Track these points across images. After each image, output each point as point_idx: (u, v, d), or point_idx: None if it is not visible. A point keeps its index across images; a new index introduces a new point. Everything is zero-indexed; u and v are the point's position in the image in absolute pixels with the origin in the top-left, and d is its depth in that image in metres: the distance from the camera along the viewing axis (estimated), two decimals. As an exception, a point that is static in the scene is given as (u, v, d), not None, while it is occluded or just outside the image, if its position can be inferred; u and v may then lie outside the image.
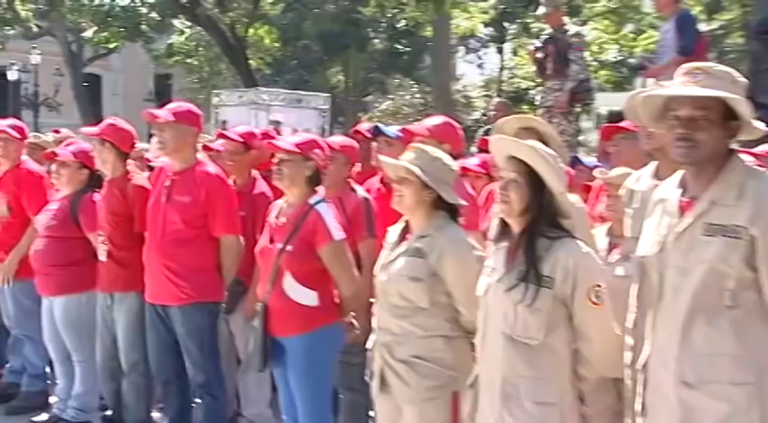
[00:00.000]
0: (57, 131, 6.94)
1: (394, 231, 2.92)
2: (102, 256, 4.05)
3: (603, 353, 2.31)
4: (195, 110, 3.89)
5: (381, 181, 4.22)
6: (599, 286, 2.31)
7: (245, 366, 4.11)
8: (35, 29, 26.69)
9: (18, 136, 4.78)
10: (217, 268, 3.75)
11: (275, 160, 3.33)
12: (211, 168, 3.79)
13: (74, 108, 26.67)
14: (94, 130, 4.10)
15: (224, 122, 13.72)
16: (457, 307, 2.72)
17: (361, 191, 3.90)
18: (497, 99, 11.23)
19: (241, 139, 4.22)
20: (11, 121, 5.05)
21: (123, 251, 3.99)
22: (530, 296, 2.30)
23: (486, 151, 4.18)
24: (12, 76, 27.34)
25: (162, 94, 34.27)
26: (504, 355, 2.34)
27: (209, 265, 3.73)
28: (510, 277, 2.36)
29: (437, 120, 3.75)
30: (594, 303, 2.30)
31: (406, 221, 2.87)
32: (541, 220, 2.34)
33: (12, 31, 25.95)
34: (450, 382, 2.69)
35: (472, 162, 4.64)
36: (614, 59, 23.01)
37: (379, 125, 4.21)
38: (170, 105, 3.86)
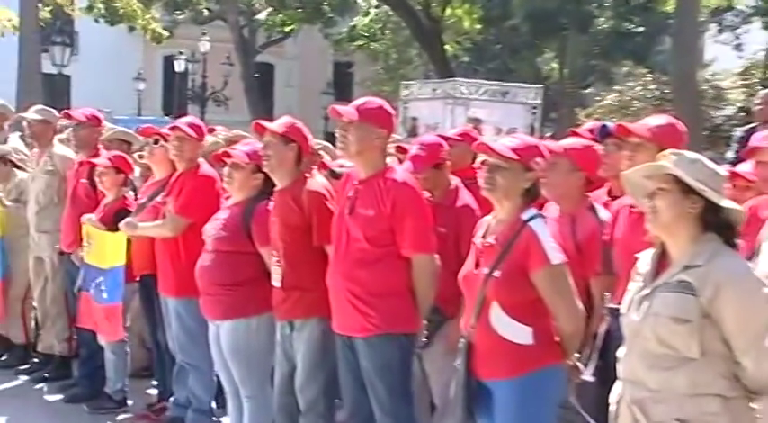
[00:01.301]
0: (212, 130, 7.43)
1: (646, 259, 2.84)
2: (277, 280, 4.24)
3: None
4: (387, 108, 3.98)
5: (608, 193, 4.12)
6: None
7: (442, 413, 4.15)
8: (206, 12, 28.77)
9: (195, 135, 5.17)
10: (410, 294, 3.82)
11: (485, 167, 3.33)
12: (400, 175, 3.86)
13: (243, 103, 28.47)
14: (277, 126, 4.30)
15: (413, 119, 14.03)
16: (738, 359, 2.62)
17: (604, 212, 3.81)
18: (764, 90, 10.59)
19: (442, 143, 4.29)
20: (189, 118, 5.50)
21: (302, 271, 4.16)
22: None
23: (745, 158, 3.96)
24: (179, 66, 29.55)
25: (341, 86, 35.69)
26: None
27: (401, 290, 3.80)
28: None
29: (660, 119, 3.62)
30: None
31: (662, 245, 2.78)
32: None
33: (182, 16, 28.16)
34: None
35: (743, 168, 4.39)
36: None
37: (608, 124, 4.11)
38: (357, 101, 3.97)
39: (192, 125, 5.20)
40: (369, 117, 3.85)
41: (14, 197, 6.70)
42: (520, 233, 3.22)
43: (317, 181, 4.32)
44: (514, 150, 3.28)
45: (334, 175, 4.59)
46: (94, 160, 5.96)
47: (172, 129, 5.16)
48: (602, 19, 24.63)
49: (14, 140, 7.40)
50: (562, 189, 3.80)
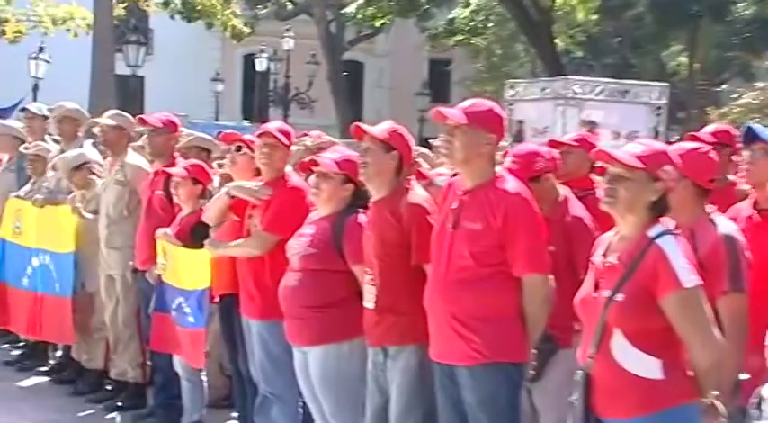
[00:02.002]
0: (304, 135, 7.53)
1: None
2: (370, 301, 4.27)
3: None
4: (497, 111, 3.99)
5: (754, 205, 4.02)
6: None
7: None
8: (289, 6, 29.22)
9: (286, 142, 5.25)
10: (519, 319, 3.80)
11: (605, 177, 3.29)
12: (512, 185, 3.85)
13: (329, 105, 28.80)
14: (378, 131, 4.32)
15: (519, 123, 13.95)
16: None
17: (725, 223, 3.75)
18: None
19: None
20: (278, 123, 5.59)
21: (398, 291, 4.17)
22: None
23: None
24: (260, 65, 30.08)
25: (438, 86, 35.76)
26: None
27: (509, 315, 3.79)
28: None
29: None
30: None
31: None
32: None
33: (263, 11, 28.67)
34: None
35: None
36: None
37: (754, 127, 4.01)
38: (464, 103, 3.98)
39: (282, 131, 5.27)
40: (478, 121, 3.85)
41: (93, 208, 6.89)
42: (646, 252, 3.17)
43: (419, 193, 4.34)
44: (639, 158, 3.22)
45: (431, 186, 4.60)
46: (170, 170, 6.10)
47: (261, 135, 5.24)
48: (742, 5, 23.89)
49: (87, 148, 7.67)
50: (672, 201, 3.71)
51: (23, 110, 8.39)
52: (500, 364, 3.77)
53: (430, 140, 8.33)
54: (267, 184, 5.15)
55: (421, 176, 4.91)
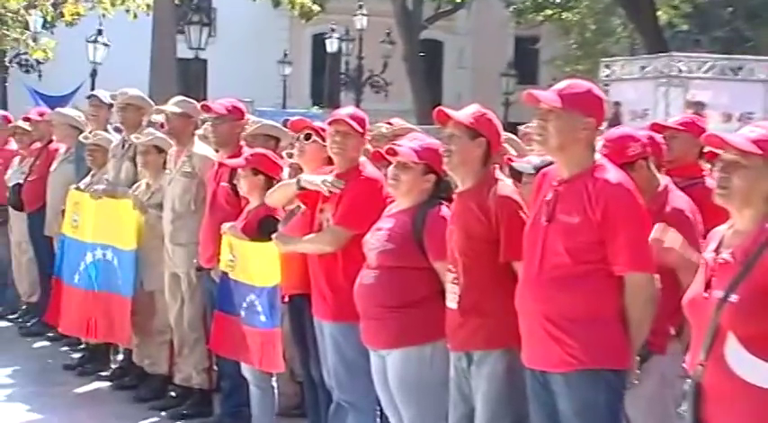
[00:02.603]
0: (389, 123, 7.53)
1: None
2: (453, 301, 4.27)
3: None
4: (596, 92, 3.96)
5: None
6: None
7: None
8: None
9: (360, 130, 5.26)
10: (621, 321, 3.76)
11: (718, 165, 3.24)
12: (613, 175, 3.81)
13: (405, 88, 28.83)
14: (463, 116, 4.32)
15: (616, 105, 13.79)
16: None
17: None
18: None
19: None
20: (351, 109, 5.58)
21: (484, 291, 4.17)
22: None
23: None
24: (331, 46, 30.24)
25: (524, 66, 35.57)
26: None
27: (610, 317, 3.75)
28: None
29: None
30: None
31: None
32: None
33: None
34: None
35: None
36: None
37: None
38: (560, 85, 3.95)
39: (355, 117, 5.29)
40: (574, 103, 3.82)
41: (158, 201, 7.00)
42: (765, 248, 3.11)
43: (508, 184, 4.32)
44: (757, 143, 3.15)
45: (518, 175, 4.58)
46: (229, 162, 6.15)
47: (332, 122, 5.27)
48: None
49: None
50: None
51: (91, 97, 8.52)
52: (599, 370, 3.73)
53: (517, 126, 8.29)
54: (340, 176, 5.18)
55: (508, 162, 4.89)
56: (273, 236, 5.39)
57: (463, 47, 39.21)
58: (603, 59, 15.86)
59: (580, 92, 3.88)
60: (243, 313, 5.83)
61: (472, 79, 37.62)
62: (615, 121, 13.16)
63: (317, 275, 5.23)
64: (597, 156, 3.93)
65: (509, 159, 5.03)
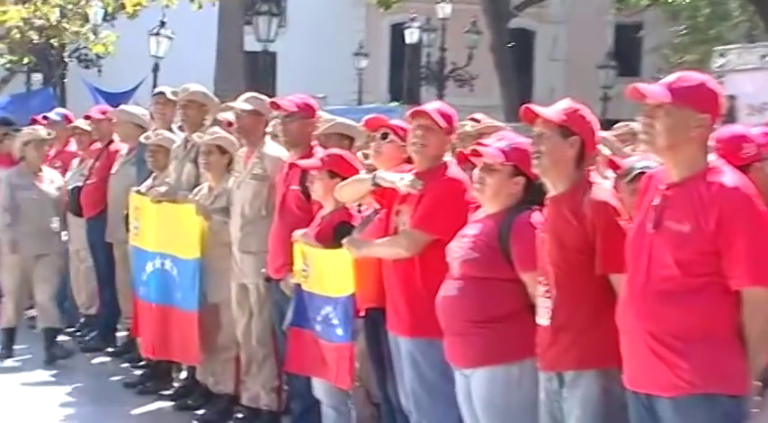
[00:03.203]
0: (475, 119, 7.52)
1: None
2: (543, 317, 4.24)
3: None
4: (711, 85, 3.89)
5: None
6: None
7: None
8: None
9: (444, 125, 5.24)
10: (737, 341, 3.70)
11: None
12: (729, 178, 3.75)
13: (493, 82, 28.67)
14: (553, 113, 4.28)
15: (731, 99, 13.51)
16: None
17: None
18: None
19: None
20: (437, 104, 5.56)
21: (578, 305, 4.14)
22: None
23: None
24: (411, 37, 30.25)
25: (626, 57, 35.19)
26: None
27: (724, 336, 3.69)
28: None
29: None
30: None
31: None
32: None
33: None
34: None
35: None
36: None
37: None
38: (669, 78, 3.90)
39: (441, 112, 5.26)
40: (687, 98, 3.78)
41: (222, 206, 7.06)
42: None
43: (605, 187, 4.28)
44: None
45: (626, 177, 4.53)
46: (302, 163, 6.16)
47: (415, 114, 5.26)
48: None
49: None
50: None
51: (157, 93, 8.64)
52: (714, 396, 3.67)
53: (616, 123, 8.19)
54: (420, 175, 5.16)
55: (614, 166, 4.83)
56: (344, 240, 5.40)
57: (557, 36, 38.91)
58: (717, 47, 15.53)
59: (693, 85, 3.82)
60: (318, 327, 5.85)
61: (566, 72, 37.37)
62: (730, 117, 12.92)
63: (392, 285, 5.24)
64: (711, 157, 3.87)
65: (611, 161, 4.97)
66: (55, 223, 9.11)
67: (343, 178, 5.88)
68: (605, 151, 5.78)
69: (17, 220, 8.93)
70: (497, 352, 4.52)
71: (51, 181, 9.18)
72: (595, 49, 34.71)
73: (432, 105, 5.41)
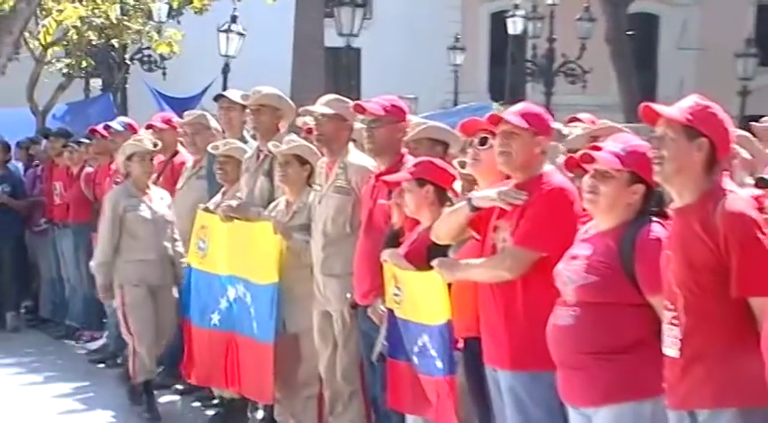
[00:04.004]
0: (575, 119, 7.46)
1: None
2: (672, 347, 4.21)
3: None
4: None
5: None
6: None
7: None
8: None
9: (530, 126, 5.19)
10: None
11: None
12: None
13: (609, 77, 28.47)
14: (677, 111, 4.23)
15: None
16: None
17: None
18: None
19: None
20: (521, 105, 5.47)
21: (713, 334, 4.10)
22: None
23: None
24: (514, 27, 30.16)
25: (768, 43, 34.54)
26: None
27: None
28: None
29: None
30: None
31: None
32: None
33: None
34: None
35: None
36: None
37: None
38: None
39: (523, 113, 5.21)
40: None
41: (302, 222, 7.09)
42: None
43: (742, 196, 4.22)
44: None
45: (763, 184, 4.47)
46: (387, 178, 6.17)
47: (491, 120, 5.26)
48: None
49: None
50: None
51: (219, 97, 8.68)
52: None
53: (758, 119, 8.04)
54: (519, 187, 5.17)
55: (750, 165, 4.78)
56: (435, 262, 5.39)
57: (686, 20, 38.42)
58: None
59: None
60: (416, 359, 5.85)
61: (698, 62, 36.89)
62: None
63: (488, 311, 5.23)
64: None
65: (750, 163, 4.91)
66: (172, 248, 8.68)
67: (437, 186, 5.91)
68: (744, 154, 5.69)
69: (131, 247, 8.61)
70: (625, 387, 4.51)
71: (161, 198, 8.82)
72: (732, 36, 34.09)
73: (513, 108, 5.36)
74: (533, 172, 5.21)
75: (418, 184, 5.94)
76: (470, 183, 5.91)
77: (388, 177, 6.20)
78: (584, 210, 4.90)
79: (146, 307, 8.51)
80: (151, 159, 8.76)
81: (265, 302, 7.26)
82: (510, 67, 31.09)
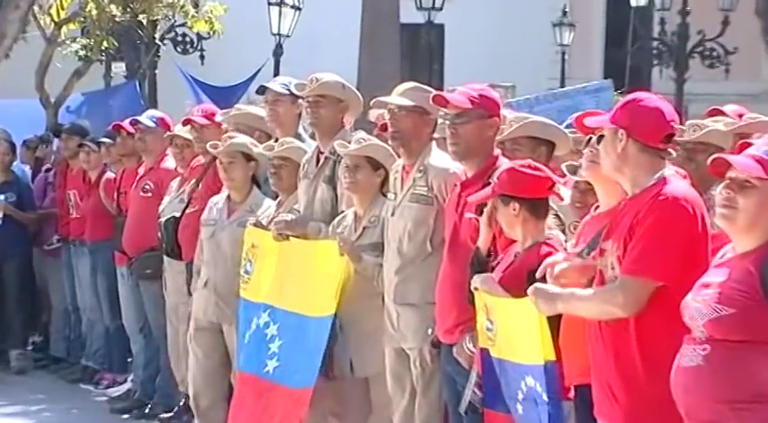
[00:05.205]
0: (718, 111, 7.40)
1: None
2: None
3: None
4: None
5: None
6: None
7: None
8: None
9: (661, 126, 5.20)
10: None
11: None
12: None
13: (759, 60, 28.25)
14: None
15: None
16: None
17: None
18: None
19: None
20: (629, 97, 5.42)
21: None
22: None
23: None
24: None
25: None
26: None
27: None
28: None
29: None
30: None
31: None
32: None
33: None
34: None
35: None
36: None
37: None
38: None
39: (629, 107, 5.21)
40: None
41: (374, 241, 7.15)
42: None
43: None
44: None
45: None
46: (473, 199, 6.20)
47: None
48: None
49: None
50: None
51: (262, 89, 8.68)
52: None
53: None
54: (632, 198, 5.21)
55: None
56: (530, 289, 5.36)
57: None
58: None
59: None
60: (521, 408, 5.86)
61: None
62: None
63: (597, 353, 5.22)
64: None
65: None
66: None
67: (524, 200, 5.95)
68: None
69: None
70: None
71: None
72: None
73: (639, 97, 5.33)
74: (645, 181, 5.18)
75: (503, 202, 6.00)
76: (583, 193, 5.93)
77: (471, 198, 6.24)
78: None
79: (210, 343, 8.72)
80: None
81: (313, 339, 7.30)
82: (631, 47, 30.99)
